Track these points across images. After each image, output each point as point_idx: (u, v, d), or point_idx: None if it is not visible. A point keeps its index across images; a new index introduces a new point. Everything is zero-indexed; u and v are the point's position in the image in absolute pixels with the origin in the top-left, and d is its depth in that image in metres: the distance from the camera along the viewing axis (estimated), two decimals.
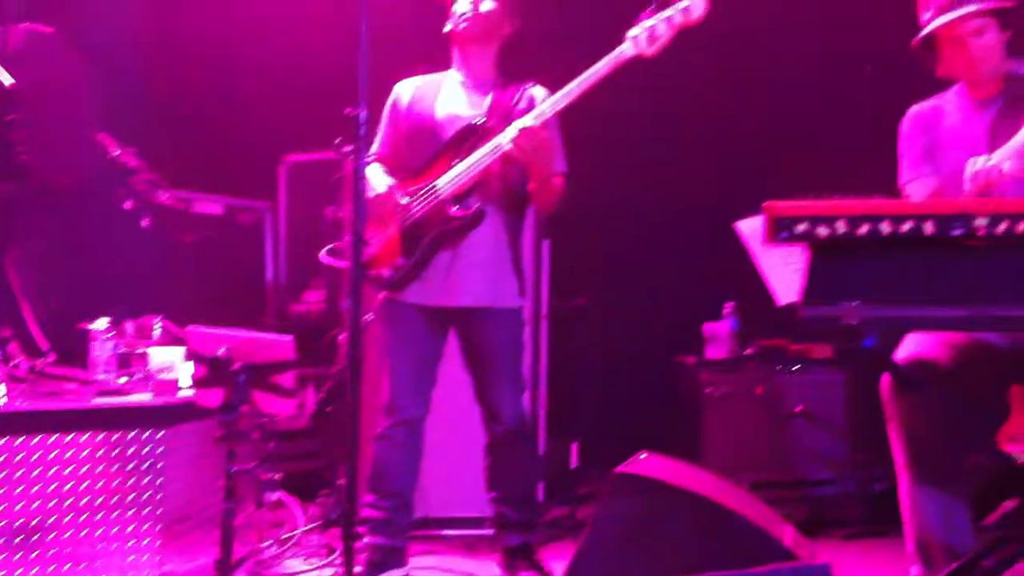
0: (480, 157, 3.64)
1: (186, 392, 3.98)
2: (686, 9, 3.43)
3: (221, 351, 3.10)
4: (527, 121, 3.52)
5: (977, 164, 2.99)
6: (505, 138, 3.55)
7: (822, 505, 4.75)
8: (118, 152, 4.92)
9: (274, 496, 3.83)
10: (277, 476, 3.79)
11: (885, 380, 3.36)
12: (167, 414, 3.86)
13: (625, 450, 4.06)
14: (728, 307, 5.01)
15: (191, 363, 3.29)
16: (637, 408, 5.55)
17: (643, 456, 3.60)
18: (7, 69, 4.06)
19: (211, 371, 3.13)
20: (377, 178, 3.76)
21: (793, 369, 4.82)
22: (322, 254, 4.27)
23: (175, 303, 4.83)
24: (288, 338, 3.20)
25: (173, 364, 4.02)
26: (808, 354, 4.84)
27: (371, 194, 3.70)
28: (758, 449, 4.79)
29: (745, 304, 4.96)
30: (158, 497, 3.76)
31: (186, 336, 3.28)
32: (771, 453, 4.80)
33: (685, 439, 4.94)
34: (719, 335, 4.98)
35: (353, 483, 3.09)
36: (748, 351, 4.94)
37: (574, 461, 5.19)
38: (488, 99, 3.79)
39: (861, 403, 4.68)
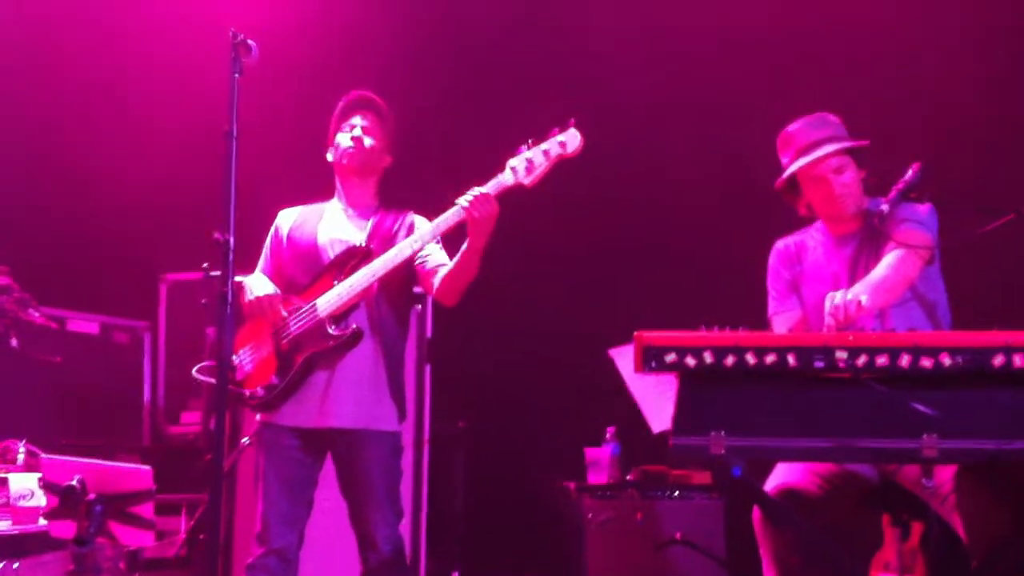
0: (360, 278, 3.65)
1: (43, 522, 3.82)
2: (563, 143, 3.54)
3: (75, 480, 2.98)
4: (481, 189, 3.54)
5: (836, 298, 3.09)
6: (461, 200, 3.55)
7: None
8: None
9: None
10: None
11: (756, 510, 3.39)
12: (25, 544, 3.70)
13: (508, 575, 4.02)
14: (610, 431, 5.02)
15: (44, 493, 3.16)
16: (519, 533, 5.49)
17: None
18: None
19: (63, 501, 3.00)
20: (259, 284, 3.75)
21: (674, 495, 4.83)
22: (195, 371, 4.19)
23: (45, 426, 4.67)
24: (146, 468, 3.10)
25: (34, 491, 3.86)
26: (688, 480, 4.86)
27: (250, 297, 3.68)
28: (640, 575, 4.76)
29: (626, 429, 4.98)
30: None
31: (41, 465, 3.16)
32: None
33: (567, 564, 4.89)
34: (600, 460, 4.98)
35: None
36: (629, 477, 4.94)
37: None
38: (370, 223, 3.85)
39: (740, 531, 4.69)
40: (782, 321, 3.59)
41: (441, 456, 4.90)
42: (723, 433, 2.73)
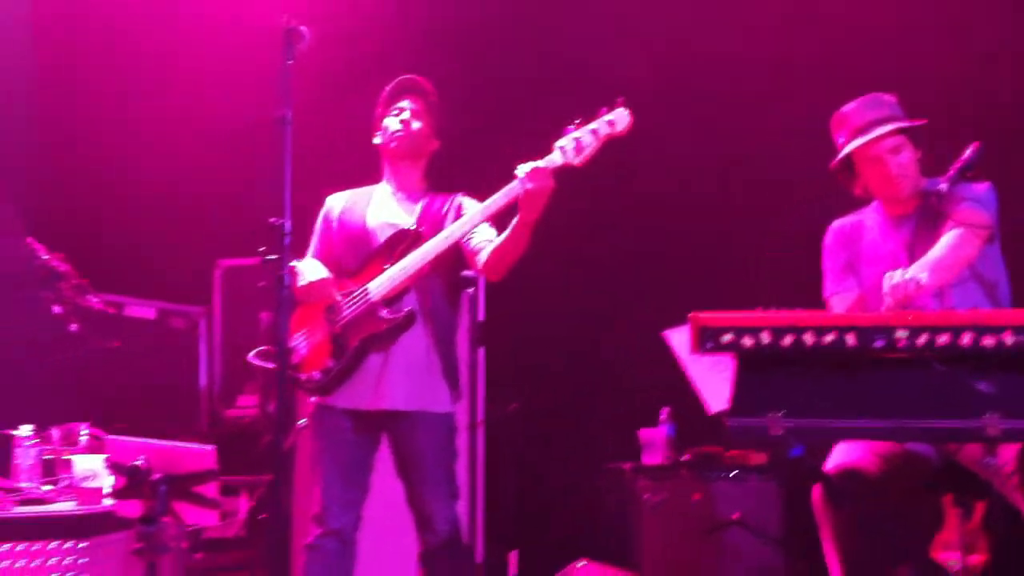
0: (411, 262, 3.67)
1: (109, 502, 3.89)
2: (611, 122, 3.51)
3: (140, 461, 3.04)
4: (536, 163, 3.53)
5: (895, 278, 3.06)
6: (519, 171, 3.53)
7: None
8: (46, 257, 4.88)
9: None
10: None
11: (816, 491, 3.37)
12: (90, 524, 3.76)
13: (564, 557, 4.04)
14: (664, 412, 5.01)
15: (111, 473, 3.21)
16: (573, 515, 5.50)
17: (581, 564, 3.58)
18: None
19: (129, 481, 3.06)
20: (311, 270, 3.78)
21: (730, 476, 4.81)
22: (251, 355, 4.24)
23: (105, 409, 4.74)
24: (210, 448, 3.15)
25: (97, 472, 3.93)
26: (745, 461, 4.85)
27: (303, 282, 3.71)
28: (695, 557, 4.76)
29: (681, 410, 4.97)
30: None
31: (106, 446, 3.22)
32: (708, 561, 4.76)
33: (622, 546, 4.90)
34: (655, 441, 4.98)
35: None
36: (684, 458, 4.93)
37: (513, 570, 5.12)
38: (419, 206, 3.87)
39: (797, 512, 4.67)
40: (839, 301, 3.55)
41: (495, 438, 4.92)
42: (781, 414, 2.70)
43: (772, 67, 5.57)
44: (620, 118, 3.51)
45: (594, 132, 3.52)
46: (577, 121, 3.53)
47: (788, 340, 2.70)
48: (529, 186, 3.50)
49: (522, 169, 3.53)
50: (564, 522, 5.47)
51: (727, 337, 2.72)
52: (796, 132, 4.79)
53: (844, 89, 3.67)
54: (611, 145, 3.52)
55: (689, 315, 2.74)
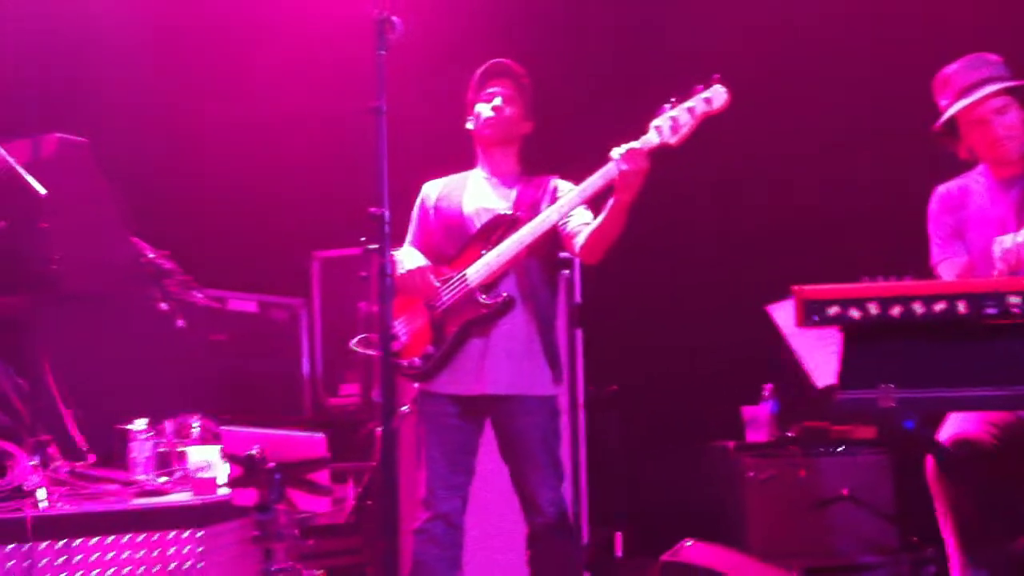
0: (508, 247, 3.67)
1: (224, 491, 3.98)
2: (708, 99, 3.46)
3: (255, 450, 3.10)
4: (632, 144, 3.51)
5: (1005, 242, 2.98)
6: (614, 153, 3.52)
7: None
8: (151, 255, 5.01)
9: None
10: (319, 573, 3.76)
11: (930, 462, 3.31)
12: (206, 513, 3.85)
13: (668, 537, 4.02)
14: (767, 389, 4.96)
15: (227, 463, 3.29)
16: (676, 494, 5.48)
17: (689, 543, 3.56)
18: (38, 178, 4.15)
19: (245, 470, 3.12)
20: (410, 258, 3.81)
21: (837, 451, 4.75)
22: (353, 342, 4.30)
23: (212, 402, 4.86)
24: (320, 436, 3.20)
25: (211, 463, 4.03)
26: (851, 435, 4.78)
27: (401, 271, 3.74)
28: (804, 533, 4.71)
29: (783, 386, 4.91)
30: None
31: (222, 436, 3.29)
32: (818, 537, 4.71)
33: (727, 525, 4.87)
34: (758, 418, 4.94)
35: None
36: (789, 434, 4.88)
37: (618, 551, 5.12)
38: (514, 191, 3.86)
39: (909, 484, 4.59)
40: (948, 268, 3.46)
41: (596, 420, 4.91)
42: (893, 386, 2.66)
43: (872, 31, 5.45)
44: (717, 95, 3.46)
45: (690, 110, 3.48)
46: (673, 100, 3.49)
47: (896, 310, 2.66)
48: (624, 168, 3.47)
49: (617, 151, 3.51)
50: (669, 502, 5.45)
51: (833, 310, 2.68)
52: (898, 98, 4.68)
53: (947, 51, 3.58)
54: (708, 122, 3.48)
55: (792, 289, 2.71)
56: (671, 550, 4.65)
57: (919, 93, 3.64)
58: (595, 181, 3.59)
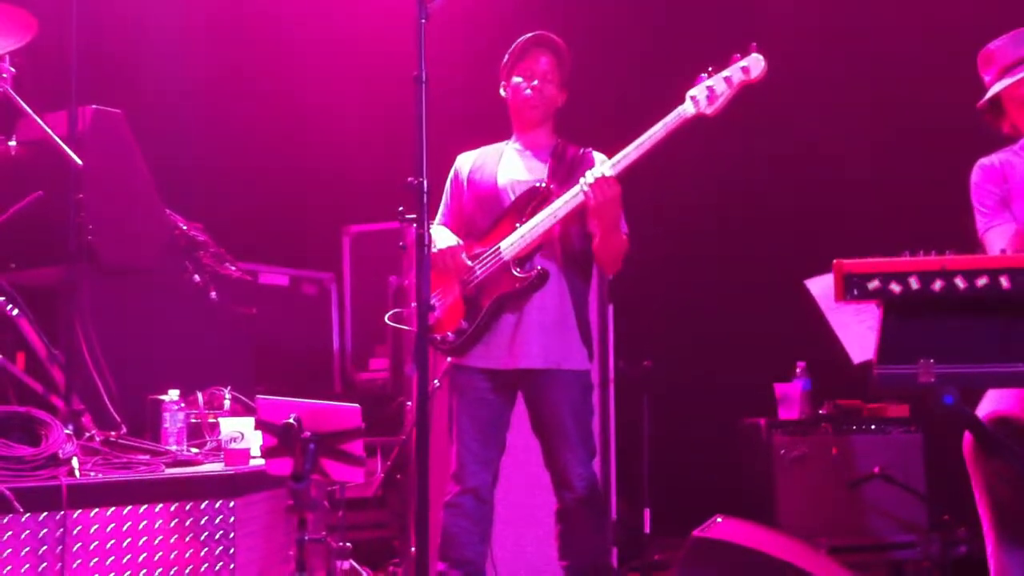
0: (542, 219, 3.65)
1: (257, 461, 3.99)
2: (746, 68, 3.43)
3: (291, 418, 3.10)
4: (604, 170, 3.51)
5: None
6: (578, 187, 3.54)
7: (903, 569, 4.63)
8: (185, 228, 5.02)
9: (345, 565, 3.81)
10: (348, 545, 3.77)
11: (967, 439, 3.28)
12: (238, 483, 3.87)
13: (697, 514, 4.01)
14: (800, 366, 4.93)
15: (260, 432, 3.29)
16: (706, 471, 5.47)
17: (719, 520, 3.54)
18: (75, 150, 4.16)
19: (281, 440, 3.12)
20: (442, 236, 3.79)
21: (870, 429, 4.73)
22: (387, 317, 4.30)
23: (243, 374, 4.88)
24: (355, 407, 3.20)
25: (243, 434, 4.04)
26: (884, 414, 4.76)
27: (434, 250, 3.71)
28: (834, 512, 4.70)
29: (816, 363, 4.89)
30: (230, 567, 3.75)
31: (256, 405, 3.29)
32: (848, 516, 4.70)
33: (757, 502, 4.85)
34: (791, 396, 4.91)
35: (424, 552, 3.06)
36: (822, 411, 4.86)
37: (647, 527, 5.11)
38: (549, 164, 3.82)
39: (941, 463, 4.57)
40: (998, 235, 3.36)
41: (627, 396, 4.90)
42: (932, 361, 2.63)
43: (919, 2, 5.39)
44: (754, 64, 3.42)
45: (727, 80, 3.44)
46: (710, 69, 3.46)
47: (938, 285, 2.63)
48: (592, 200, 3.50)
49: (584, 180, 3.52)
50: (699, 479, 5.44)
51: (873, 284, 2.66)
52: (942, 70, 4.62)
53: (995, 26, 3.53)
54: (745, 92, 3.44)
55: (833, 262, 2.69)
56: (702, 526, 4.65)
57: (966, 68, 3.59)
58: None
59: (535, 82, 3.80)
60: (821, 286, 3.73)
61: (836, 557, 3.66)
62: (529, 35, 3.85)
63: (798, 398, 4.90)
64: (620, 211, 3.61)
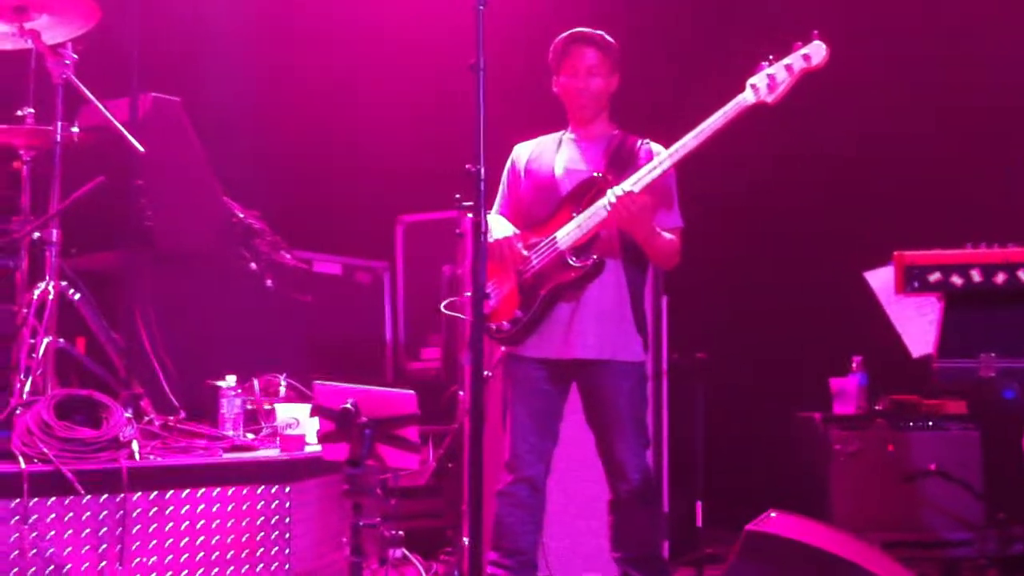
0: (599, 209, 3.64)
1: (312, 447, 4.03)
2: (807, 55, 3.39)
3: (349, 404, 3.12)
4: (625, 186, 3.52)
5: None
6: (604, 201, 3.55)
7: (958, 566, 4.57)
8: (242, 215, 5.07)
9: (398, 553, 3.84)
10: (400, 533, 3.79)
11: None
12: (295, 469, 3.92)
13: (750, 508, 3.99)
14: (856, 361, 4.88)
15: (316, 418, 3.32)
16: (759, 465, 5.43)
17: (773, 514, 3.52)
18: (136, 137, 4.22)
19: (338, 425, 3.15)
20: (499, 226, 3.80)
21: (927, 426, 4.68)
22: (443, 305, 4.32)
23: (296, 361, 4.92)
24: (411, 393, 3.21)
25: (299, 420, 4.08)
26: (941, 410, 4.69)
27: (491, 239, 3.71)
28: (890, 508, 4.65)
29: (872, 358, 4.84)
30: (286, 552, 3.80)
31: (312, 391, 3.32)
32: (903, 512, 4.65)
33: (811, 497, 4.81)
34: (847, 390, 4.86)
35: (477, 541, 3.07)
36: (878, 407, 4.80)
37: (699, 520, 5.09)
38: (606, 152, 3.81)
39: (998, 460, 4.50)
40: None
41: (680, 388, 4.88)
42: (994, 355, 2.61)
43: None
44: (816, 51, 3.39)
45: (788, 67, 3.42)
46: (771, 57, 3.43)
47: (1000, 278, 2.60)
48: (614, 219, 3.54)
49: (605, 199, 3.54)
50: (753, 472, 5.41)
51: (934, 276, 2.64)
52: (1008, 60, 4.55)
53: None
54: (805, 80, 3.40)
55: (894, 254, 2.66)
56: (755, 520, 4.62)
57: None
58: (688, 143, 3.54)
59: (582, 78, 3.79)
60: (881, 278, 3.70)
61: (891, 553, 3.61)
62: (566, 33, 3.83)
63: (854, 393, 4.84)
64: (651, 222, 3.62)
